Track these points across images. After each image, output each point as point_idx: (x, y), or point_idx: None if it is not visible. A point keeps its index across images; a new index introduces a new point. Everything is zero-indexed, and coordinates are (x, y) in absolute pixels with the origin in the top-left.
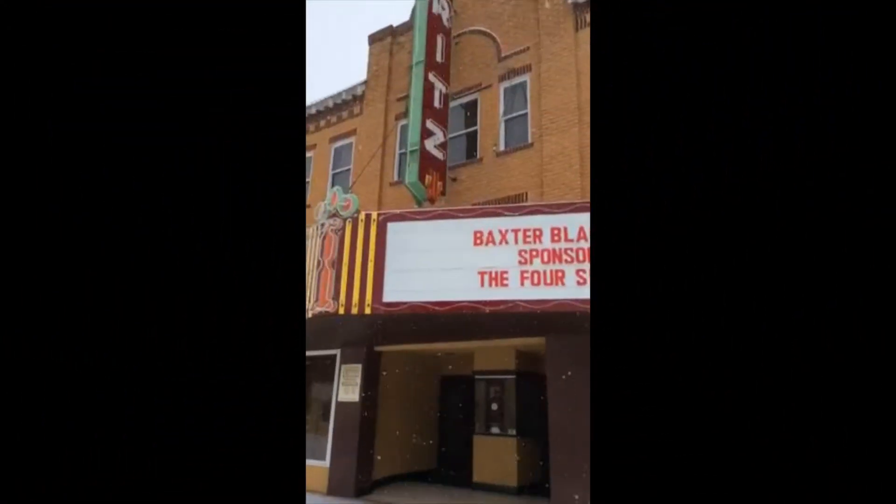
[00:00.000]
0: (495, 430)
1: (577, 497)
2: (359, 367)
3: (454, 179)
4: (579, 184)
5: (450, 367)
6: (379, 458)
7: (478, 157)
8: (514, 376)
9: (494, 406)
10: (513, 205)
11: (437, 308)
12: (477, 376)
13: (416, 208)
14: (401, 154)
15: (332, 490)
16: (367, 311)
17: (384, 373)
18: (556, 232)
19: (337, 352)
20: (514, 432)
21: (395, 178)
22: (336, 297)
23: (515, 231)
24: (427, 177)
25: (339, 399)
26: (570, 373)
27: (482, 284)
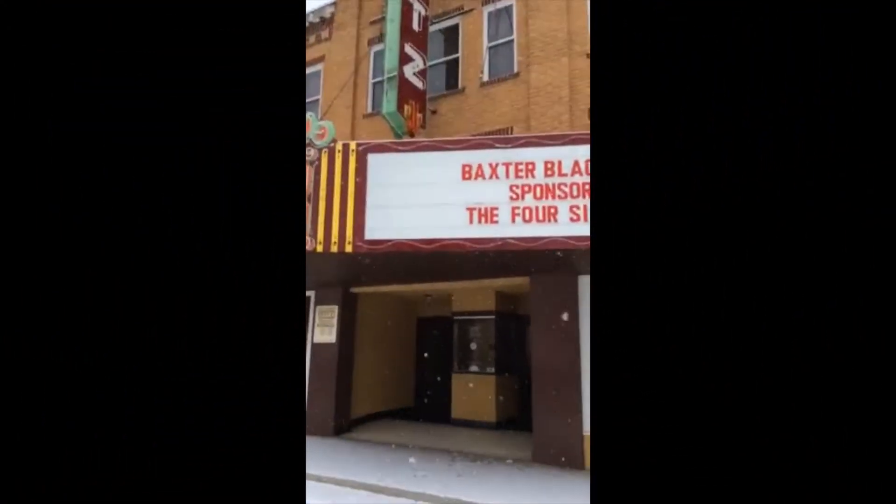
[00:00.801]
0: (474, 368)
1: (557, 430)
2: (334, 308)
3: (434, 112)
4: (568, 118)
5: (427, 308)
6: (357, 397)
7: (459, 87)
8: (493, 317)
9: (473, 346)
10: (504, 136)
11: (422, 246)
12: (456, 317)
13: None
14: (375, 83)
15: (312, 430)
16: (348, 249)
17: (361, 314)
18: (549, 166)
19: (311, 293)
20: (492, 370)
21: (370, 110)
22: (314, 234)
23: (507, 164)
24: (406, 107)
25: (315, 341)
26: (553, 311)
27: (471, 221)
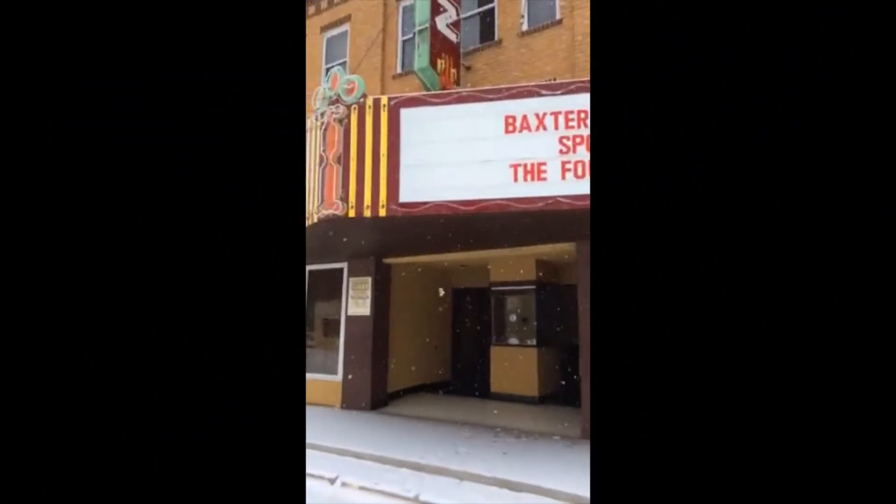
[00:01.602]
0: (513, 341)
1: None
2: (368, 279)
3: (468, 68)
4: None
5: (463, 278)
6: (393, 371)
7: (495, 39)
8: (533, 287)
9: (513, 317)
10: (552, 82)
11: (462, 208)
12: (493, 287)
13: None
14: (405, 41)
15: (347, 404)
16: (382, 213)
17: (395, 285)
18: None
19: (344, 265)
20: (533, 343)
21: (400, 70)
22: (345, 197)
23: (555, 114)
24: (439, 62)
25: (350, 313)
26: None
27: (515, 179)
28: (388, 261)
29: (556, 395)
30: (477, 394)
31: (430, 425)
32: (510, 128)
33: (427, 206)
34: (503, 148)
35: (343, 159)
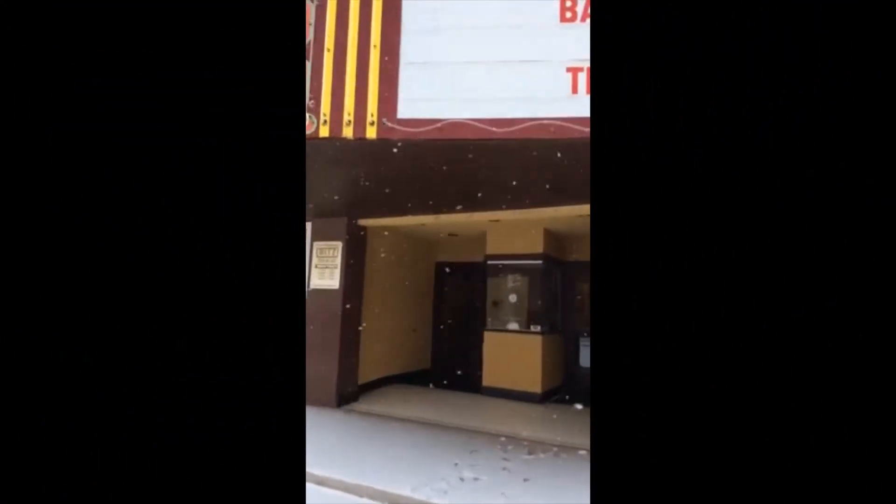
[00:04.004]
0: (513, 326)
1: None
2: (338, 245)
3: None
4: None
5: (450, 250)
6: (365, 357)
7: None
8: (540, 261)
9: (513, 298)
10: None
11: (493, 130)
12: (490, 261)
13: None
14: None
15: (311, 399)
16: (370, 133)
17: (371, 254)
18: None
19: (307, 225)
20: (538, 329)
21: None
22: (314, 108)
23: None
24: None
25: (313, 286)
26: None
27: (575, 89)
28: (363, 221)
29: (559, 390)
30: (464, 387)
31: (415, 431)
32: (568, 14)
33: (439, 125)
34: (557, 43)
35: (314, 51)
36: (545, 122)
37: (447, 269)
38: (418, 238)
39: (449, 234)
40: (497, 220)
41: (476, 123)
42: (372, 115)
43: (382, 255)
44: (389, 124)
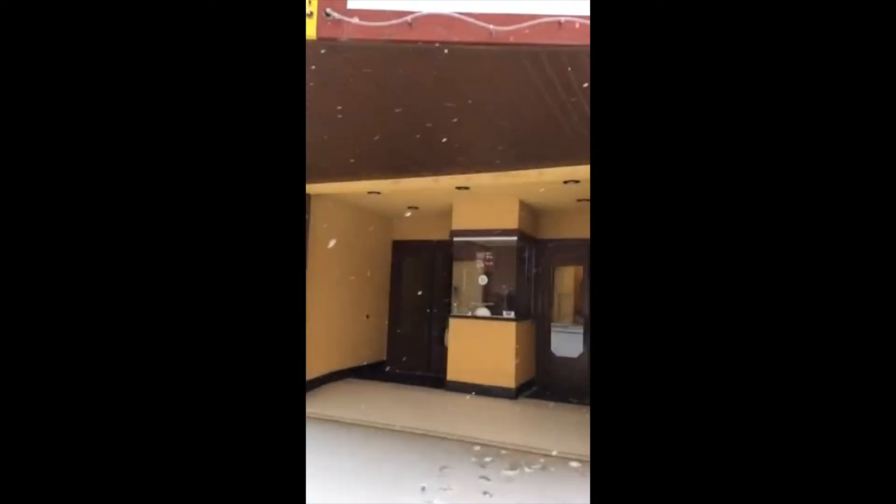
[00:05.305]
0: (482, 312)
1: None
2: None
3: None
4: None
5: (408, 227)
6: (311, 349)
7: None
8: (514, 238)
9: (482, 280)
10: None
11: (489, 30)
12: (456, 238)
13: None
14: None
15: None
16: (309, 30)
17: (316, 227)
18: None
19: None
20: (511, 315)
21: None
22: None
23: None
24: None
25: None
26: None
27: None
28: (308, 189)
29: (532, 383)
30: (425, 381)
31: (371, 439)
32: None
33: (410, 19)
34: None
35: None
36: (563, 20)
37: (407, 249)
38: (373, 212)
39: (409, 208)
40: (466, 189)
41: (466, 18)
42: (310, 3)
43: (326, 226)
44: (337, 15)
